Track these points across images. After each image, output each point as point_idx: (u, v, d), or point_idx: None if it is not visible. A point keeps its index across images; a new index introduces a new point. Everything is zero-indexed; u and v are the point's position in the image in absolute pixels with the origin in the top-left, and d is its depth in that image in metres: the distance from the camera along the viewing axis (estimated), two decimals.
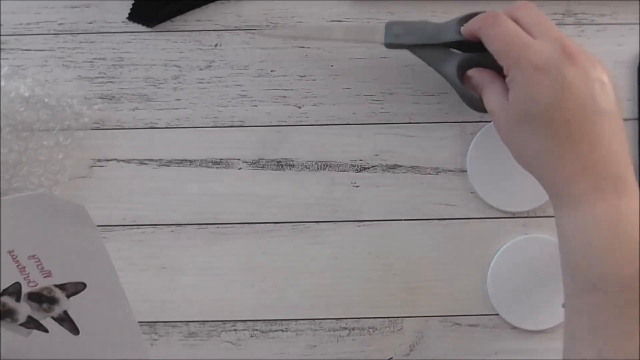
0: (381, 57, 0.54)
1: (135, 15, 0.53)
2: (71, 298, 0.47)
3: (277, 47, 0.54)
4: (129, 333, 0.49)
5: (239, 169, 0.54)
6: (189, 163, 0.54)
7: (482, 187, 0.53)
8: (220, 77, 0.54)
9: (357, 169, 0.54)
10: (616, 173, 0.40)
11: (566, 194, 0.41)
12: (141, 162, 0.54)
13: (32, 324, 0.48)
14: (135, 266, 0.53)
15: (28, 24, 0.54)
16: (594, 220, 0.40)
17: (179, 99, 0.54)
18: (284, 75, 0.54)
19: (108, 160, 0.54)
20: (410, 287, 0.53)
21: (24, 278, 0.46)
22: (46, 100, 0.52)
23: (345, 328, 0.54)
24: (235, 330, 0.54)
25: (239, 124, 0.54)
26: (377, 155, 0.54)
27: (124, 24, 0.54)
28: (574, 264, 0.41)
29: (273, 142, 0.54)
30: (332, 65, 0.54)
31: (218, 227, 0.54)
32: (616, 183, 0.40)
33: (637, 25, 0.54)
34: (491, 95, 0.46)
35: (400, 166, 0.54)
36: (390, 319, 0.54)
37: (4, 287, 0.46)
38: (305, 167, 0.54)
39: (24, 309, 0.47)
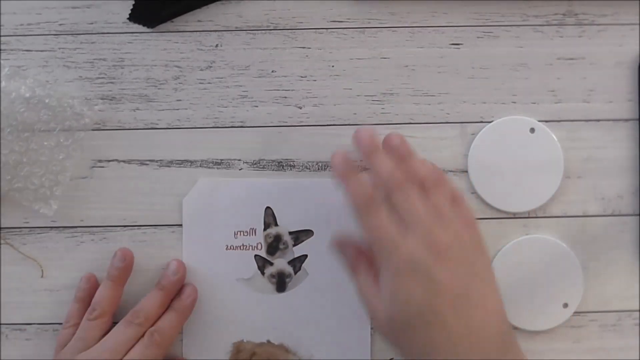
0: (382, 58, 0.54)
1: (136, 16, 0.53)
2: (279, 221, 0.52)
3: (278, 48, 0.54)
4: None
5: (240, 169, 0.54)
6: (189, 164, 0.54)
7: (482, 187, 0.53)
8: (221, 78, 0.54)
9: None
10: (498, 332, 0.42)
11: None
12: (142, 162, 0.54)
13: (296, 265, 0.52)
14: (136, 267, 0.53)
15: (29, 24, 0.54)
16: None
17: (179, 100, 0.54)
18: (285, 76, 0.54)
19: (109, 160, 0.54)
20: None
21: (248, 248, 0.52)
22: (47, 100, 0.52)
23: None
24: None
25: (240, 124, 0.54)
26: None
27: (125, 24, 0.54)
28: None
29: (274, 142, 0.54)
30: (332, 66, 0.54)
31: None
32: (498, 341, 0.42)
33: (638, 26, 0.54)
34: (363, 280, 0.46)
35: None
36: None
37: (252, 272, 0.52)
38: (306, 167, 0.54)
39: (278, 266, 0.52)
